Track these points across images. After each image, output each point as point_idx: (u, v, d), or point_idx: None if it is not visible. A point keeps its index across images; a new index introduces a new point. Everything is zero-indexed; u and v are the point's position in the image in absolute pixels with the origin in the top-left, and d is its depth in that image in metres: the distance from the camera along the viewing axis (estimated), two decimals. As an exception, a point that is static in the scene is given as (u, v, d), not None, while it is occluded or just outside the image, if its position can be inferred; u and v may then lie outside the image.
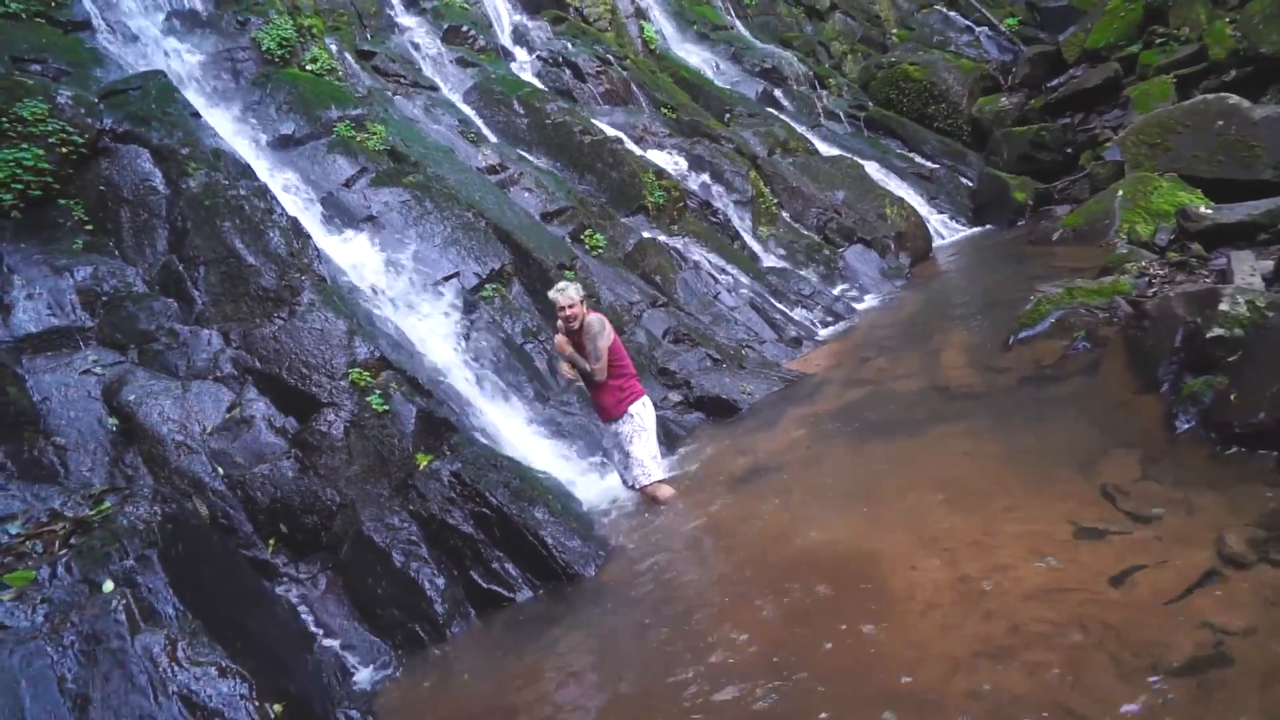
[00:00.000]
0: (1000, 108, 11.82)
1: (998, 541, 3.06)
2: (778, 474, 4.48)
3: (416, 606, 3.92)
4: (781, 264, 8.78)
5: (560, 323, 4.44)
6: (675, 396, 6.13)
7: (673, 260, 7.70)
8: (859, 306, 8.28)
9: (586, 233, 7.43)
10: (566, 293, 4.32)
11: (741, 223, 9.11)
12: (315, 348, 4.69)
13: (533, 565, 4.05)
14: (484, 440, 4.83)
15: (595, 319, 4.40)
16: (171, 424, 4.20)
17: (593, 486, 5.02)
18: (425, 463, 4.37)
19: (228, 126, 6.38)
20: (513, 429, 5.29)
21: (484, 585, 4.03)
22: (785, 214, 9.68)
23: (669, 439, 5.56)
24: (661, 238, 8.02)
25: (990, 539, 3.09)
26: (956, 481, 3.68)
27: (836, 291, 8.51)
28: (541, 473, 4.78)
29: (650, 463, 4.52)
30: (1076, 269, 6.28)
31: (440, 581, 4.00)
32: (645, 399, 4.62)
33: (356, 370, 4.64)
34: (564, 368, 4.46)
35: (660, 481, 4.56)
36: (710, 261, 8.03)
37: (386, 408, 4.52)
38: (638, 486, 4.55)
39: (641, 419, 4.52)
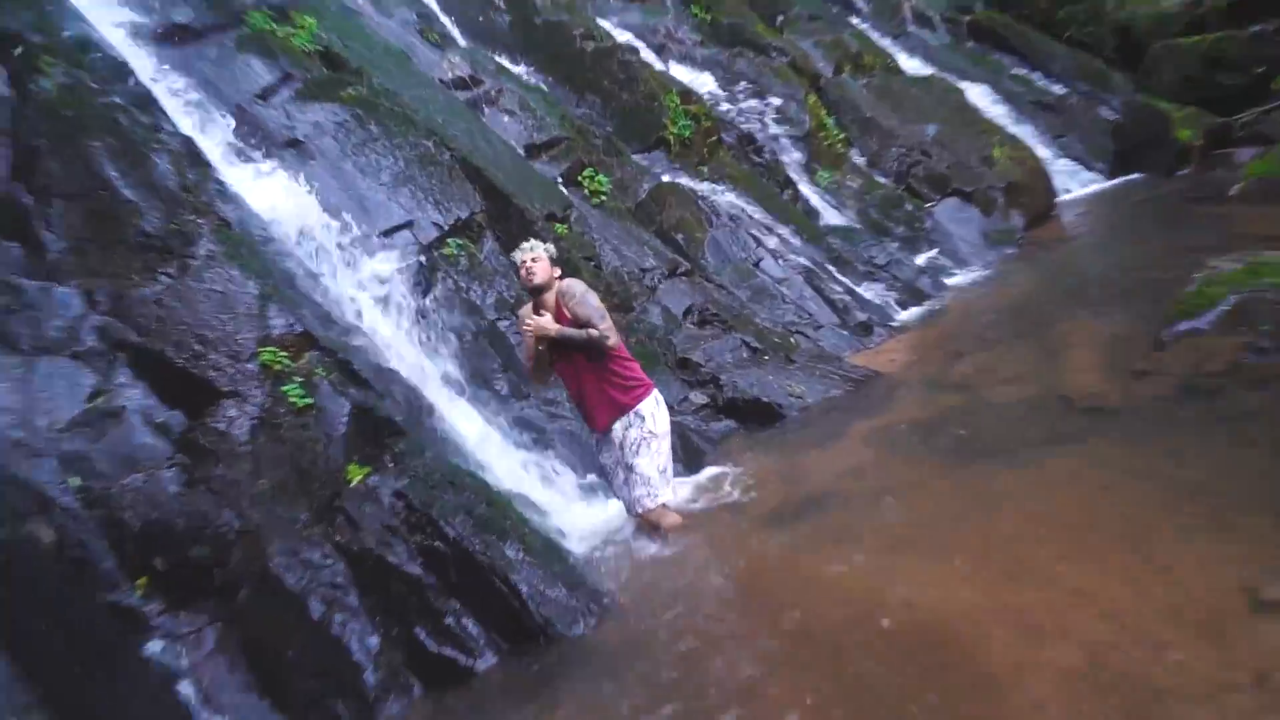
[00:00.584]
0: (1161, 9, 11.58)
1: (1141, 614, 2.98)
2: (837, 509, 4.46)
3: (339, 676, 3.87)
4: (848, 222, 8.84)
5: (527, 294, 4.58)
6: (699, 397, 6.14)
7: (700, 213, 7.68)
8: (951, 282, 8.33)
9: (586, 173, 7.44)
10: (535, 250, 4.42)
11: (795, 165, 9.16)
12: (214, 317, 4.65)
13: (500, 621, 4.01)
14: (440, 449, 4.80)
15: (575, 281, 4.51)
16: (8, 416, 4.11)
17: (584, 516, 5.03)
18: (359, 477, 4.36)
19: (99, 10, 6.28)
20: (479, 434, 5.29)
21: (434, 648, 3.98)
22: (855, 154, 9.73)
23: (689, 454, 5.56)
24: (686, 182, 8.03)
25: (1131, 610, 3.01)
26: (1084, 529, 3.63)
27: (921, 261, 8.54)
28: (516, 495, 4.76)
29: (658, 479, 4.52)
30: (1264, 237, 6.18)
31: (373, 641, 3.96)
32: (658, 395, 4.64)
33: (270, 349, 4.59)
34: (528, 330, 4.34)
35: (666, 506, 4.54)
36: (751, 216, 8.03)
37: (309, 401, 4.49)
38: (640, 510, 4.56)
39: (654, 420, 4.53)
